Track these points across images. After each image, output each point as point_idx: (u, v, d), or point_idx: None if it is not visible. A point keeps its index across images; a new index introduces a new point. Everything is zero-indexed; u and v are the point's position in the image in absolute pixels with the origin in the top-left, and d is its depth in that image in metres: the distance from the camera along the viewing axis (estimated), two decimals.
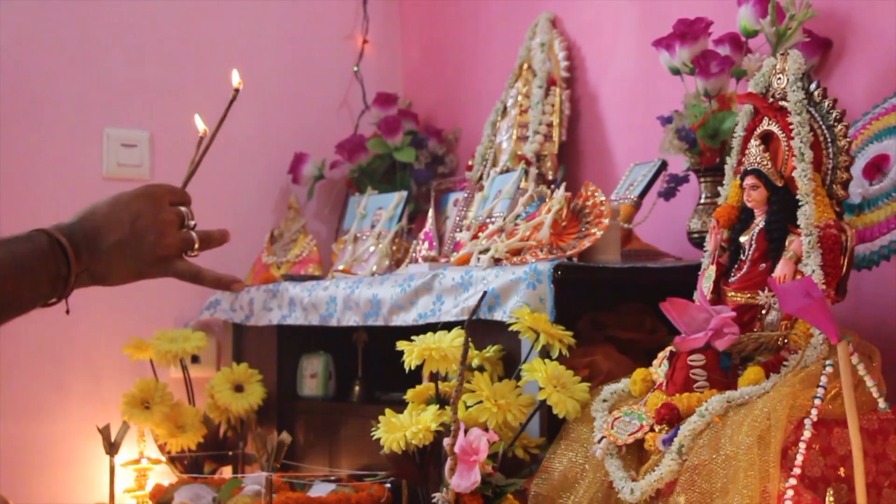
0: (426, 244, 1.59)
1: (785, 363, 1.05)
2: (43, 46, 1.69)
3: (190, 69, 1.80)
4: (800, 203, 1.09)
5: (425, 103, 1.90)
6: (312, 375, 1.63)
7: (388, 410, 1.25)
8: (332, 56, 1.95)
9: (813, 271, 1.06)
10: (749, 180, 1.15)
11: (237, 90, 0.82)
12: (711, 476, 0.96)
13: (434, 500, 1.13)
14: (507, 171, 1.56)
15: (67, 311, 0.72)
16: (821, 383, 0.97)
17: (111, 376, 1.71)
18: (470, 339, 1.16)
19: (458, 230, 1.54)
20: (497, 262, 1.32)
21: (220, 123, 0.80)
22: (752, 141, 1.16)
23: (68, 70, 1.72)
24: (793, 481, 0.93)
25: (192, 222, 0.78)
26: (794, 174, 1.10)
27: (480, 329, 1.20)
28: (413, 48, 2.00)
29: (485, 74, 1.87)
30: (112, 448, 1.50)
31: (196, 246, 0.79)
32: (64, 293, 0.77)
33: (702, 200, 1.34)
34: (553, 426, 1.14)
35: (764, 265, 1.12)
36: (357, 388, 1.55)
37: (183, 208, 0.80)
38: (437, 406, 1.21)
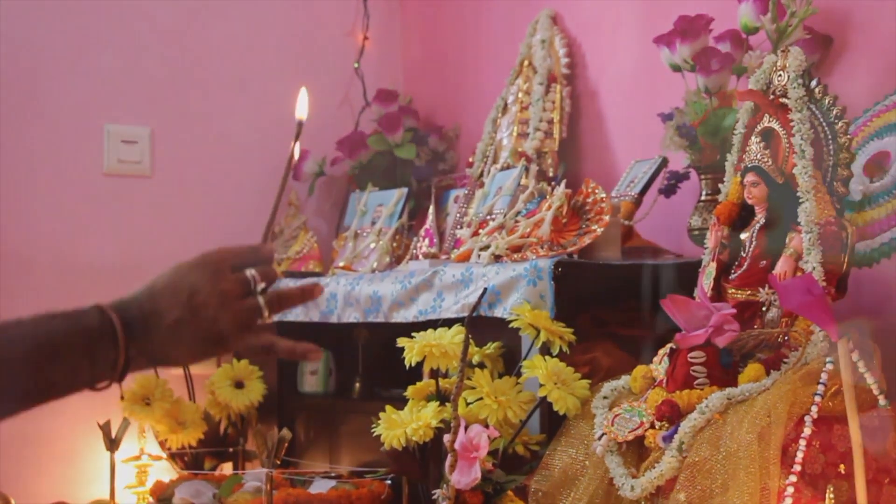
0: (427, 241, 1.59)
1: (785, 360, 1.05)
2: (43, 43, 1.69)
3: (191, 65, 1.80)
4: (800, 200, 1.09)
5: (426, 100, 1.89)
6: (313, 372, 1.63)
7: (388, 407, 1.25)
8: (332, 53, 1.96)
9: (813, 268, 1.06)
10: (750, 177, 1.15)
11: (301, 123, 0.75)
12: (712, 473, 0.96)
13: (434, 497, 1.13)
14: (508, 167, 1.56)
15: (122, 397, 0.67)
16: (821, 380, 0.97)
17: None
18: (470, 336, 1.16)
19: (458, 227, 1.54)
20: (497, 258, 1.32)
21: (290, 162, 0.73)
22: (753, 138, 1.16)
23: (68, 67, 1.72)
24: (793, 478, 0.93)
25: (262, 285, 0.71)
26: (794, 171, 1.10)
27: (481, 326, 1.19)
28: (414, 45, 2.00)
29: (485, 71, 1.87)
30: (113, 444, 1.50)
31: (265, 313, 0.72)
32: (113, 377, 0.69)
33: (702, 197, 1.34)
34: (553, 423, 1.13)
35: (764, 262, 1.12)
36: (357, 384, 1.55)
37: (250, 272, 0.72)
38: (438, 403, 1.21)
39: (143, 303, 0.71)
